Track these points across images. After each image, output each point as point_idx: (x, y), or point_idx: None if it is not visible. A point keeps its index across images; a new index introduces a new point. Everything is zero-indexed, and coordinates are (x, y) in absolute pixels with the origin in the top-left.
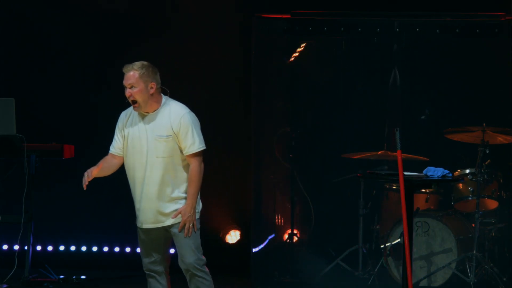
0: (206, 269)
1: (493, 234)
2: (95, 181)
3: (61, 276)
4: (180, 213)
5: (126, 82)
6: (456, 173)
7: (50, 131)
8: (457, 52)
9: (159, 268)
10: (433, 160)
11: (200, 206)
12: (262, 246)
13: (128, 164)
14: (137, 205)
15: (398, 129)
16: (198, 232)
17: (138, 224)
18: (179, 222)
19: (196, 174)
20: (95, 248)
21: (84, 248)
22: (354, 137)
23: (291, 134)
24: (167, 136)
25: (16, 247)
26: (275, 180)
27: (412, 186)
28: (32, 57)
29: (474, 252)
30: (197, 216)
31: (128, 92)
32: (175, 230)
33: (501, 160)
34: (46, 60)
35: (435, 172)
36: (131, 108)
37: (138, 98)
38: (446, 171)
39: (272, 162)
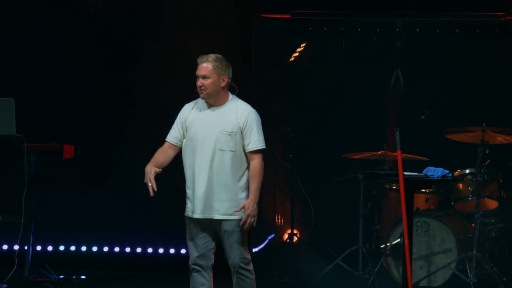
0: (251, 267)
1: (493, 234)
2: (95, 181)
3: (61, 276)
4: (243, 207)
5: (199, 73)
6: (456, 173)
7: (50, 131)
8: (457, 52)
9: (205, 262)
10: (433, 160)
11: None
12: (262, 246)
13: (188, 154)
14: (190, 194)
15: (398, 129)
16: (246, 231)
17: (189, 214)
18: (230, 220)
19: (259, 170)
20: (95, 248)
21: (84, 248)
22: (354, 137)
23: (291, 134)
24: (231, 131)
25: (16, 247)
26: (275, 180)
27: (412, 186)
28: (32, 57)
29: (474, 252)
30: None
31: (200, 82)
32: (225, 227)
33: (501, 160)
34: (46, 60)
35: (435, 172)
36: (195, 101)
37: (209, 89)
38: (446, 171)
39: (272, 162)
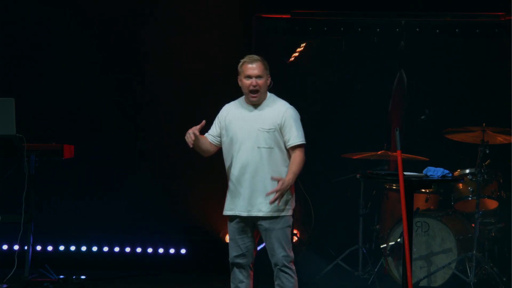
0: (293, 267)
1: (493, 234)
2: (95, 180)
3: (61, 276)
4: (278, 180)
5: (253, 72)
6: (456, 173)
7: (50, 131)
8: (457, 52)
9: (245, 261)
10: (433, 160)
11: (293, 204)
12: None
13: (229, 154)
14: (231, 193)
15: (398, 129)
16: (289, 229)
17: (230, 212)
18: (272, 217)
19: (299, 160)
20: (95, 248)
21: (84, 248)
22: (354, 137)
23: None
24: (269, 129)
25: (16, 247)
26: None
27: (412, 186)
28: (32, 57)
29: (474, 252)
30: (290, 213)
31: (254, 81)
32: (267, 225)
33: (501, 160)
34: (46, 60)
35: (435, 172)
36: (234, 102)
37: (261, 88)
38: (446, 171)
39: None
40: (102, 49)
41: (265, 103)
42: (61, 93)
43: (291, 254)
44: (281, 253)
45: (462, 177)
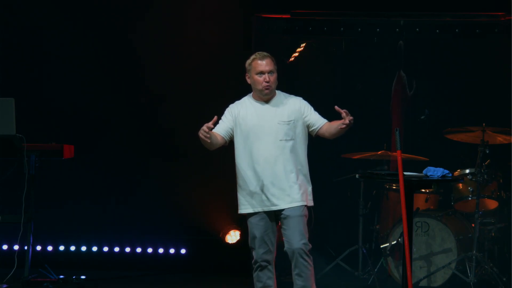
0: (311, 257)
1: (493, 234)
2: (95, 180)
3: (61, 276)
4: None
5: (265, 68)
6: (456, 173)
7: (50, 131)
8: (457, 52)
9: (271, 256)
10: (433, 160)
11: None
12: None
13: (246, 151)
14: (252, 189)
15: (398, 129)
16: (306, 219)
17: (249, 210)
18: (293, 206)
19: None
20: (95, 248)
21: (84, 248)
22: (354, 137)
23: None
24: (289, 121)
25: (16, 247)
26: None
27: (412, 186)
28: (32, 57)
29: (474, 252)
30: (311, 204)
31: (267, 77)
32: (287, 212)
33: (501, 160)
34: (46, 60)
35: (435, 172)
36: (240, 101)
37: (273, 84)
38: (446, 171)
39: None
40: (102, 49)
41: (276, 97)
42: (61, 93)
43: (309, 243)
44: (300, 241)
45: (462, 177)
